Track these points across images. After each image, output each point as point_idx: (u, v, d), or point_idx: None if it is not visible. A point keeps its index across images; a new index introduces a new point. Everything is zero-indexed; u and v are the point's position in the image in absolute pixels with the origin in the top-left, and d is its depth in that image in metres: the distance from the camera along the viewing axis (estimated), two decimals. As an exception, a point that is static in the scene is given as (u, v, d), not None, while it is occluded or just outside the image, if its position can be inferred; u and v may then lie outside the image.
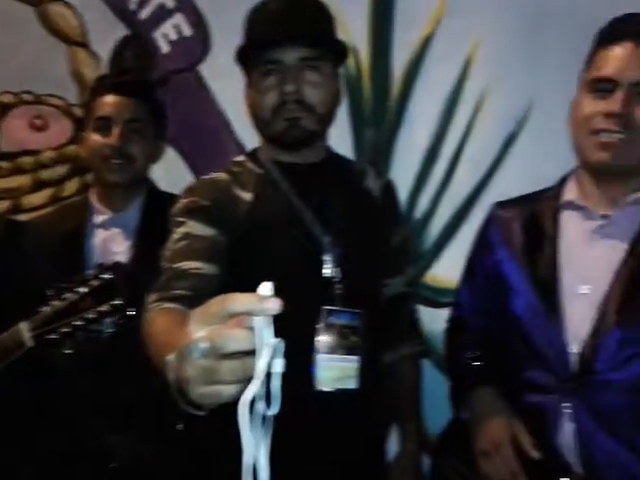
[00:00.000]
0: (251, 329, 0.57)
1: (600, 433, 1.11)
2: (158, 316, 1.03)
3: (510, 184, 1.54)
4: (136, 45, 1.93)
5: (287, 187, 1.26)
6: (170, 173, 1.76)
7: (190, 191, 1.24)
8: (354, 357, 1.22)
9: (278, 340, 0.59)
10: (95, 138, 1.51)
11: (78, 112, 1.97)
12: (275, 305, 0.58)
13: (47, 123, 2.02)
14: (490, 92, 1.59)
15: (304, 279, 1.22)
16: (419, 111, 1.65)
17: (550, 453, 1.15)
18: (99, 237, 1.52)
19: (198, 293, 1.05)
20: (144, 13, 1.94)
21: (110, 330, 1.29)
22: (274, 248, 1.22)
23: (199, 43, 1.88)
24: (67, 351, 1.25)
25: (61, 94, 1.99)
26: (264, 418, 0.60)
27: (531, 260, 1.22)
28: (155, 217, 1.47)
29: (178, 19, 1.91)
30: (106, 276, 1.24)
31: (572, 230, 1.21)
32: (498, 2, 1.58)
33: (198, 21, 1.88)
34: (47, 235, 1.53)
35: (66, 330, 1.24)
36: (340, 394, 1.19)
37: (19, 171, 2.04)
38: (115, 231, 1.53)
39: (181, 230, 1.17)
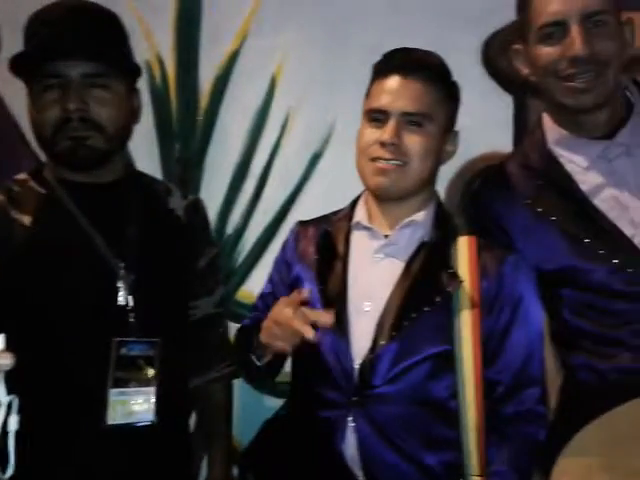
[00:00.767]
0: None
1: (379, 444, 1.17)
2: None
3: (316, 201, 1.60)
4: None
5: (74, 209, 1.19)
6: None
7: None
8: (149, 389, 1.19)
9: (12, 397, 0.56)
10: None
11: None
12: (6, 360, 0.55)
13: None
14: (295, 111, 1.64)
15: (95, 309, 1.17)
16: (228, 127, 1.65)
17: (338, 465, 1.19)
18: None
19: None
20: None
21: None
22: (60, 276, 1.16)
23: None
24: None
25: None
26: None
27: (324, 278, 1.26)
28: None
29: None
30: None
31: (360, 250, 1.27)
32: (300, 24, 1.62)
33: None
34: None
35: None
36: (135, 429, 1.17)
37: None
38: None
39: None
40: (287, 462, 1.24)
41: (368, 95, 1.27)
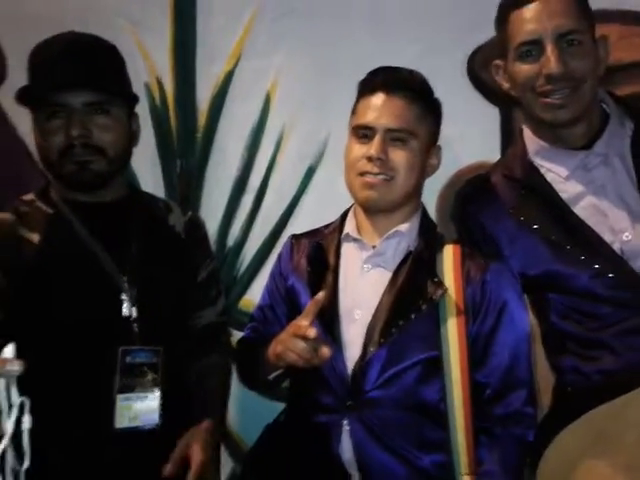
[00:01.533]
0: None
1: (374, 446, 1.22)
2: None
3: (311, 213, 1.66)
4: None
5: (79, 227, 1.26)
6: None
7: None
8: (153, 394, 1.26)
9: (24, 398, 0.62)
10: None
11: None
12: (16, 367, 0.61)
13: None
14: (290, 127, 1.70)
15: (101, 320, 1.24)
16: (226, 143, 1.72)
17: (335, 467, 1.25)
18: None
19: None
20: None
21: None
22: (67, 290, 1.22)
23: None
24: None
25: None
26: (17, 473, 0.63)
27: (316, 289, 1.31)
28: None
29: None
30: None
31: (350, 260, 1.33)
32: (291, 45, 1.68)
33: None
34: None
35: None
36: (142, 432, 1.23)
37: None
38: None
39: None
40: (287, 466, 1.29)
41: (354, 112, 1.33)
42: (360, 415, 1.23)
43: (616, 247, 1.24)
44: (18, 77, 1.75)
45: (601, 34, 1.30)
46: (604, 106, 1.34)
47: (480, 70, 1.61)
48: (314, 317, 1.16)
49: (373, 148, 1.25)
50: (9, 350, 0.65)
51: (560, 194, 1.29)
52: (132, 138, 1.34)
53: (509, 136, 1.61)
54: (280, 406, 1.45)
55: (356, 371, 1.24)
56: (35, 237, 1.23)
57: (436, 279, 1.25)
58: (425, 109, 1.29)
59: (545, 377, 1.37)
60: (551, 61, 1.21)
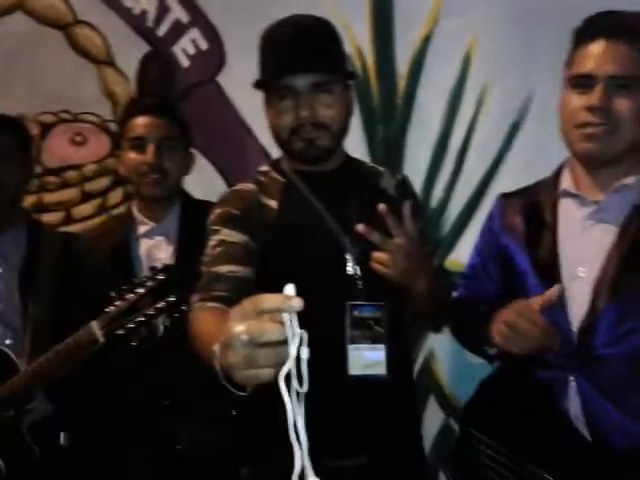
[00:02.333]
0: (281, 323, 0.71)
1: (603, 403, 1.21)
2: (202, 314, 1.19)
3: (516, 171, 1.64)
4: (158, 61, 2.07)
5: (308, 193, 1.37)
6: (202, 180, 1.91)
7: (222, 202, 1.37)
8: (380, 345, 1.35)
9: (303, 331, 0.73)
10: (132, 156, 1.66)
11: (113, 127, 2.13)
12: (299, 303, 0.72)
13: (86, 139, 2.19)
14: (491, 85, 1.68)
15: (329, 277, 1.33)
16: (426, 106, 1.75)
17: (563, 423, 1.26)
18: (144, 246, 1.69)
19: (234, 293, 1.21)
20: (161, 30, 2.07)
21: (167, 323, 1.48)
22: (301, 250, 1.34)
23: (215, 55, 2.00)
24: (133, 343, 1.44)
25: (96, 111, 2.15)
26: (297, 394, 0.74)
27: (533, 247, 1.31)
28: (191, 223, 1.63)
29: (194, 34, 2.03)
30: (159, 277, 1.42)
31: (568, 217, 1.30)
32: (488, 0, 1.65)
33: (213, 34, 2.00)
34: (97, 247, 1.70)
35: (131, 326, 1.42)
36: (372, 383, 1.31)
37: (66, 185, 2.23)
38: (158, 239, 1.69)
39: (216, 237, 1.31)
40: (510, 420, 1.31)
41: (570, 62, 1.28)
42: (587, 371, 1.22)
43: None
44: (235, 61, 1.94)
45: None
46: None
47: None
48: (545, 305, 1.17)
49: (595, 97, 1.20)
50: (290, 288, 0.75)
51: None
52: (349, 111, 1.41)
53: None
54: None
55: (584, 328, 1.23)
56: (273, 203, 1.37)
57: (670, 233, 1.19)
58: None
59: None
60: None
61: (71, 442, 1.66)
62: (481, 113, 1.70)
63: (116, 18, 2.09)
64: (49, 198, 2.23)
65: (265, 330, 0.71)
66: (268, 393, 0.73)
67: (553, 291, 1.19)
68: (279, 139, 1.37)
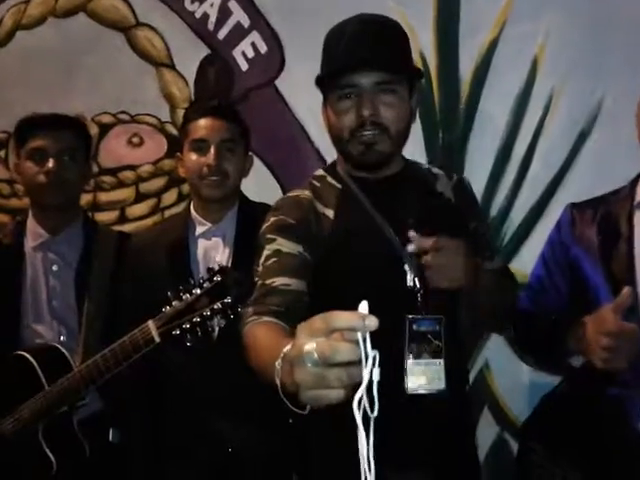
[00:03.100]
0: (354, 342, 0.68)
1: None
2: (258, 329, 1.14)
3: (584, 181, 1.59)
4: (217, 64, 2.09)
5: (366, 201, 1.32)
6: (258, 183, 1.90)
7: (277, 210, 1.32)
8: (439, 360, 1.31)
9: (376, 351, 0.70)
10: (193, 158, 1.64)
11: (171, 129, 2.16)
12: (375, 322, 0.68)
13: (143, 140, 2.22)
14: (560, 91, 1.64)
15: (387, 290, 1.27)
16: (489, 112, 1.71)
17: (632, 441, 1.21)
18: (201, 246, 1.67)
19: (288, 308, 1.17)
20: (222, 33, 2.08)
21: (223, 325, 1.48)
22: (358, 262, 1.29)
23: (275, 59, 1.99)
24: (188, 344, 1.42)
25: (154, 113, 2.17)
26: (368, 419, 0.72)
27: (607, 260, 1.27)
28: (248, 225, 1.62)
29: (254, 37, 2.03)
30: (216, 278, 1.41)
31: (645, 229, 1.26)
32: (561, 2, 1.61)
33: (272, 38, 2.00)
34: (154, 246, 1.69)
35: (187, 326, 1.41)
36: (430, 397, 1.27)
37: (121, 185, 2.26)
38: (215, 240, 1.67)
39: (271, 247, 1.26)
40: (575, 437, 1.27)
41: None
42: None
43: None
44: (294, 65, 1.94)
45: None
46: None
47: None
48: (622, 311, 1.12)
49: None
50: (364, 306, 0.72)
51: None
52: (412, 116, 1.37)
53: None
54: (545, 377, 1.43)
55: (659, 345, 1.18)
56: (329, 212, 1.32)
57: None
58: None
59: None
60: None
61: (121, 439, 1.67)
62: (547, 120, 1.66)
63: (177, 21, 2.11)
64: (104, 197, 2.26)
65: (339, 350, 0.67)
66: (331, 409, 0.70)
67: (625, 294, 1.13)
68: (338, 141, 1.32)
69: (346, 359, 0.68)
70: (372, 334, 0.68)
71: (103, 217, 2.21)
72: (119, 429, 1.66)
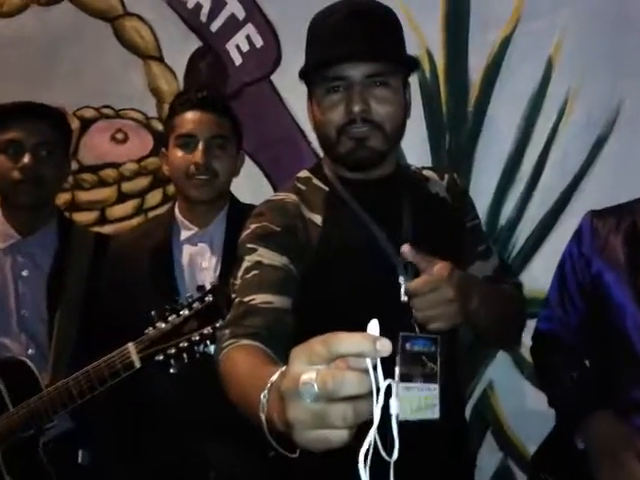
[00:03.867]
0: (363, 371, 0.56)
1: None
2: (237, 353, 0.98)
3: (601, 189, 1.50)
4: (209, 58, 1.97)
5: (356, 206, 1.19)
6: (250, 183, 1.78)
7: (259, 215, 1.17)
8: (433, 385, 1.20)
9: (391, 380, 0.59)
10: (179, 155, 1.50)
11: (157, 125, 2.03)
12: (388, 346, 0.57)
13: (127, 136, 2.09)
14: (576, 93, 1.54)
15: (380, 305, 1.17)
16: (499, 115, 1.62)
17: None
18: (186, 253, 1.54)
19: (270, 329, 1.03)
20: (215, 25, 1.97)
21: (213, 352, 1.34)
22: (348, 274, 1.17)
23: (271, 53, 1.89)
24: (172, 371, 1.30)
25: (139, 108, 2.05)
26: (381, 464, 0.60)
27: (635, 275, 1.16)
28: (238, 230, 1.49)
29: (249, 29, 1.93)
30: (207, 298, 1.28)
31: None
32: (579, 2, 1.52)
33: (269, 31, 1.89)
34: (134, 251, 1.56)
35: (172, 352, 1.28)
36: (421, 425, 1.18)
37: (102, 183, 2.13)
38: (202, 246, 1.54)
39: (251, 258, 1.12)
40: (589, 468, 1.17)
41: None
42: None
43: None
44: (292, 60, 1.83)
45: None
46: None
47: None
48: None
49: None
50: (374, 326, 0.60)
51: None
52: (406, 111, 1.24)
53: None
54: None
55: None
56: (317, 218, 1.19)
57: None
58: None
59: None
60: None
61: (90, 461, 1.53)
62: (562, 124, 1.56)
63: (168, 11, 1.99)
64: (83, 196, 2.13)
65: (345, 380, 0.56)
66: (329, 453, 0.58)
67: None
68: (325, 140, 1.18)
69: (354, 392, 0.56)
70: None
71: (82, 218, 2.07)
72: (89, 450, 1.52)
